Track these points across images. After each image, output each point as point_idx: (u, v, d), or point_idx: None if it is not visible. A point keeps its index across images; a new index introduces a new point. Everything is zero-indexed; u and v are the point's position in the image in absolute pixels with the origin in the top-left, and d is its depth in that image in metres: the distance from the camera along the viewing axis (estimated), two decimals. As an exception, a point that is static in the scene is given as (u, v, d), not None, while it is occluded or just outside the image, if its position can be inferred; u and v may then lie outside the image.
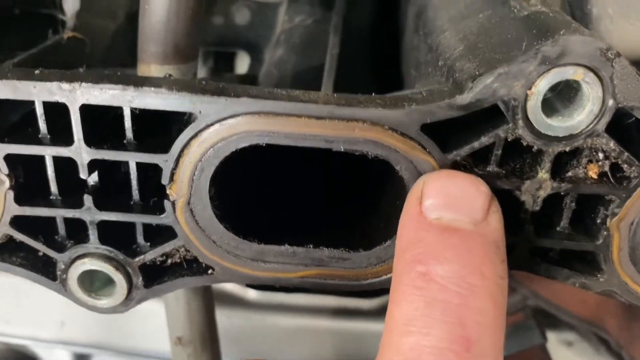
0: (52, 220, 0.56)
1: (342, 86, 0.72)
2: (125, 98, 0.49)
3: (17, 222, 0.55)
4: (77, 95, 0.49)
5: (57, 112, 0.51)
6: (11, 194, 0.53)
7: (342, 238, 0.57)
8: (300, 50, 0.83)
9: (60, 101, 0.49)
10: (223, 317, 0.94)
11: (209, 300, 0.72)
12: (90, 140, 0.51)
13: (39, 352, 1.03)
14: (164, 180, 0.52)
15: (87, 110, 0.50)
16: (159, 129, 0.53)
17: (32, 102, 0.51)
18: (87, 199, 0.53)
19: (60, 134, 0.52)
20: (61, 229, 0.56)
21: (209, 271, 0.57)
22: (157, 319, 0.97)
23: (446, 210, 0.47)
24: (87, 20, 0.72)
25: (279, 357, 0.93)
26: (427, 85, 0.61)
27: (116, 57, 0.82)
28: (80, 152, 0.51)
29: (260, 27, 0.92)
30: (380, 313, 0.96)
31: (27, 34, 0.73)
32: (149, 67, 0.60)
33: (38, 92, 0.49)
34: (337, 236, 0.58)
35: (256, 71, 0.89)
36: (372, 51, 0.91)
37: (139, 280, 0.57)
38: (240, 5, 0.93)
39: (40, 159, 0.53)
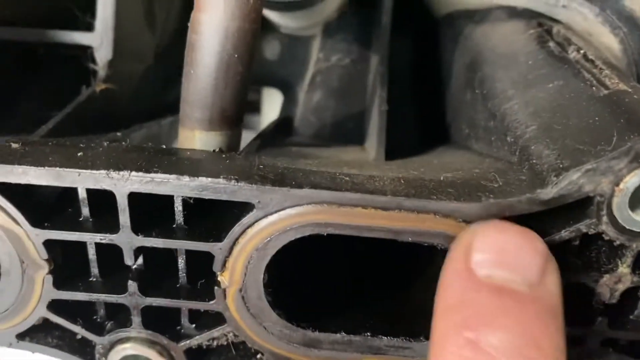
0: (91, 302, 0.52)
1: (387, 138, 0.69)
2: (178, 188, 0.45)
3: (55, 305, 0.52)
4: (125, 184, 0.45)
5: (99, 194, 0.48)
6: (50, 278, 0.50)
7: (396, 321, 0.54)
8: (339, 95, 0.79)
9: (107, 189, 0.46)
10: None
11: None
12: (137, 226, 0.48)
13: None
14: (216, 268, 0.49)
15: (134, 197, 0.46)
16: (210, 211, 0.49)
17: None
18: (132, 285, 0.50)
19: (103, 217, 0.49)
20: (100, 311, 0.53)
21: (258, 356, 0.54)
22: None
23: (499, 268, 0.42)
24: (118, 67, 0.68)
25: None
26: (488, 151, 0.58)
27: (143, 99, 0.78)
28: (127, 240, 0.48)
29: (291, 63, 0.88)
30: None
31: (56, 80, 0.70)
32: (193, 133, 0.56)
33: (83, 179, 0.46)
34: (390, 318, 0.55)
35: (290, 112, 0.85)
36: (412, 96, 0.87)
37: (186, 363, 0.54)
38: (270, 39, 0.89)
39: (81, 242, 0.50)
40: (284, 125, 0.81)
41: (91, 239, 0.48)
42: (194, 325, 0.54)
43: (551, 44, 0.60)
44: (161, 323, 0.53)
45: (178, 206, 0.48)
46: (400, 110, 0.74)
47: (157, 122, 0.71)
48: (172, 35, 0.83)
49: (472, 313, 0.40)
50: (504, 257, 0.42)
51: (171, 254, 0.51)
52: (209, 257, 0.49)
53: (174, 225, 0.49)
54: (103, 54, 0.66)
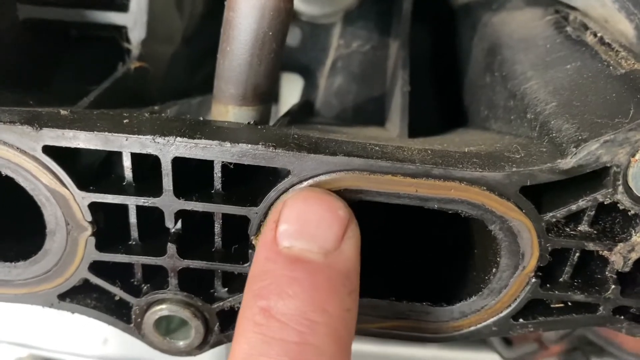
0: (129, 265, 0.55)
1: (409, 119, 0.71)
2: (220, 153, 0.48)
3: (95, 267, 0.54)
4: (170, 148, 0.48)
5: (139, 162, 0.50)
6: (92, 240, 0.53)
7: (418, 288, 0.57)
8: (361, 79, 0.82)
9: (152, 153, 0.49)
10: None
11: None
12: (178, 191, 0.50)
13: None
14: (251, 231, 0.51)
15: (175, 163, 0.49)
16: (244, 180, 0.52)
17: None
18: (170, 247, 0.53)
19: (145, 182, 0.52)
20: (138, 273, 0.56)
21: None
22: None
23: (299, 239, 0.46)
24: (150, 47, 0.71)
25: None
26: (507, 130, 0.61)
27: (173, 80, 0.81)
28: (169, 203, 0.50)
29: (312, 49, 0.91)
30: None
31: (88, 59, 0.73)
32: (227, 108, 0.59)
33: (130, 144, 0.48)
34: (412, 285, 0.57)
35: (311, 96, 0.88)
36: (430, 82, 0.90)
37: (216, 325, 0.57)
38: (292, 26, 0.91)
39: (123, 205, 0.52)
40: (306, 107, 0.83)
41: (134, 202, 0.51)
42: (226, 288, 0.56)
43: (568, 29, 0.63)
44: (196, 286, 0.56)
45: (217, 172, 0.50)
46: (419, 95, 0.76)
47: (187, 101, 0.74)
48: (198, 20, 0.86)
49: (268, 283, 0.44)
50: (304, 227, 0.46)
51: (206, 220, 0.54)
52: (243, 223, 0.52)
53: (213, 191, 0.51)
54: (137, 34, 0.69)
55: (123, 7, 0.70)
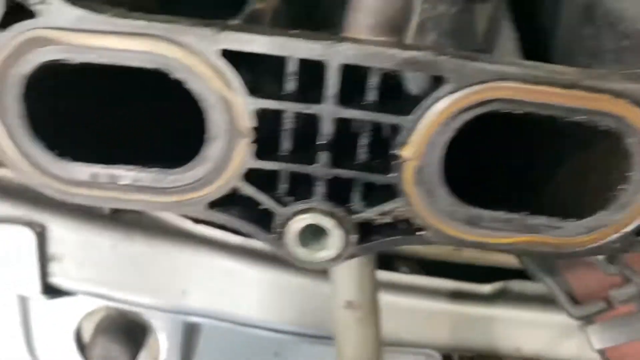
0: (275, 175, 0.58)
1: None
2: (386, 60, 0.52)
3: (247, 176, 0.57)
4: (338, 55, 0.52)
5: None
6: (251, 147, 0.56)
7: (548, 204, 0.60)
8: (454, 36, 0.86)
9: (320, 59, 0.52)
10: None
11: (374, 268, 0.75)
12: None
13: (150, 320, 1.05)
14: (400, 140, 0.55)
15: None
16: (394, 89, 0.56)
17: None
18: (322, 156, 0.56)
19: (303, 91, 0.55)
20: (284, 184, 0.59)
21: (419, 232, 0.60)
22: (264, 288, 1.00)
23: None
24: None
25: (395, 336, 0.96)
26: (620, 69, 0.65)
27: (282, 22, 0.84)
28: (330, 110, 0.54)
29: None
30: (494, 298, 0.99)
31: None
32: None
33: (302, 49, 0.52)
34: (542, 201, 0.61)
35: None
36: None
37: (353, 237, 0.60)
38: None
39: (276, 116, 0.56)
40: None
41: (297, 109, 0.54)
42: (364, 202, 0.60)
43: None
44: (337, 197, 0.59)
45: (373, 83, 0.54)
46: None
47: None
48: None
49: None
50: None
51: (350, 132, 0.57)
52: (386, 138, 0.56)
53: (366, 101, 0.55)
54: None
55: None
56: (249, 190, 0.58)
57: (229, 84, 0.53)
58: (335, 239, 0.59)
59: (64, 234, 0.98)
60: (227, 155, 0.56)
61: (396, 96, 0.57)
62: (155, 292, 1.00)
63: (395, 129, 0.55)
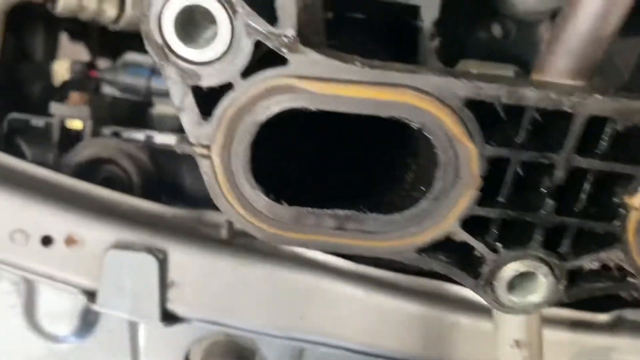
0: (487, 221, 0.58)
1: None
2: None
3: (465, 222, 0.57)
4: (586, 107, 0.52)
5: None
6: (476, 195, 0.55)
7: None
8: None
9: (565, 110, 0.52)
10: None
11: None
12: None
13: (260, 345, 1.04)
14: (629, 190, 0.55)
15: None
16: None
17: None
18: (549, 204, 0.56)
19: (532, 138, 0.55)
20: (496, 230, 0.59)
21: (631, 279, 0.60)
22: (382, 316, 0.99)
23: None
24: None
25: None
26: None
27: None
28: (567, 159, 0.54)
29: (522, 43, 0.96)
30: (612, 327, 1.00)
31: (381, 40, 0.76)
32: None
33: (540, 99, 0.52)
34: None
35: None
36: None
37: (563, 284, 0.59)
38: (502, 21, 0.97)
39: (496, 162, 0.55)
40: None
41: (533, 157, 0.54)
42: (575, 247, 0.59)
43: None
44: (547, 243, 0.59)
45: (609, 132, 0.54)
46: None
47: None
48: None
49: None
50: None
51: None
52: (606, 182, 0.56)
53: (600, 150, 0.55)
54: (430, 13, 0.72)
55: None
56: (463, 236, 0.58)
57: (468, 131, 0.53)
58: (545, 286, 0.59)
59: (184, 260, 0.97)
60: (452, 203, 0.56)
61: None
62: (272, 318, 0.99)
63: (620, 176, 0.55)
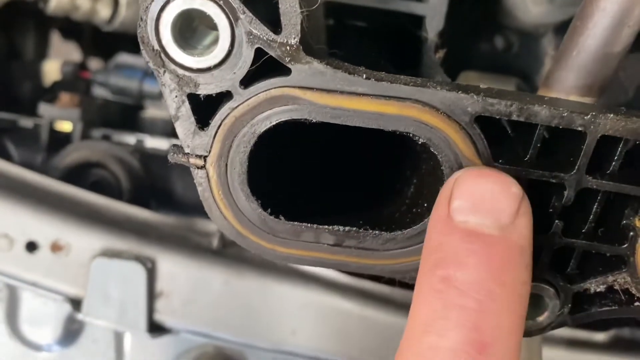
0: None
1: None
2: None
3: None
4: (599, 127, 0.50)
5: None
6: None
7: None
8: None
9: (578, 129, 0.50)
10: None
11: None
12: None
13: (249, 358, 1.01)
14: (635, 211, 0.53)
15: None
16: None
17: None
18: (557, 225, 0.54)
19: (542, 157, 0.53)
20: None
21: (636, 303, 0.58)
22: (376, 331, 0.97)
23: (473, 214, 0.48)
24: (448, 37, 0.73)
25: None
26: None
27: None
28: (577, 180, 0.52)
29: (527, 56, 0.94)
30: (609, 347, 0.98)
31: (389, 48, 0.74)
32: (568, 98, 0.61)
33: (553, 118, 0.50)
34: None
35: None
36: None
37: (567, 307, 0.57)
38: (505, 34, 0.95)
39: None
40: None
41: (543, 177, 0.52)
42: (578, 271, 0.57)
43: None
44: (553, 266, 0.57)
45: (621, 153, 0.52)
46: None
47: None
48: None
49: (445, 254, 0.48)
50: (479, 203, 0.48)
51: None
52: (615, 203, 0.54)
53: (610, 171, 0.53)
54: (435, 24, 0.70)
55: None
56: (468, 255, 0.56)
57: (476, 148, 0.51)
58: (550, 309, 0.57)
59: (174, 270, 0.95)
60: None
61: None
62: (263, 331, 0.97)
63: (629, 198, 0.53)
